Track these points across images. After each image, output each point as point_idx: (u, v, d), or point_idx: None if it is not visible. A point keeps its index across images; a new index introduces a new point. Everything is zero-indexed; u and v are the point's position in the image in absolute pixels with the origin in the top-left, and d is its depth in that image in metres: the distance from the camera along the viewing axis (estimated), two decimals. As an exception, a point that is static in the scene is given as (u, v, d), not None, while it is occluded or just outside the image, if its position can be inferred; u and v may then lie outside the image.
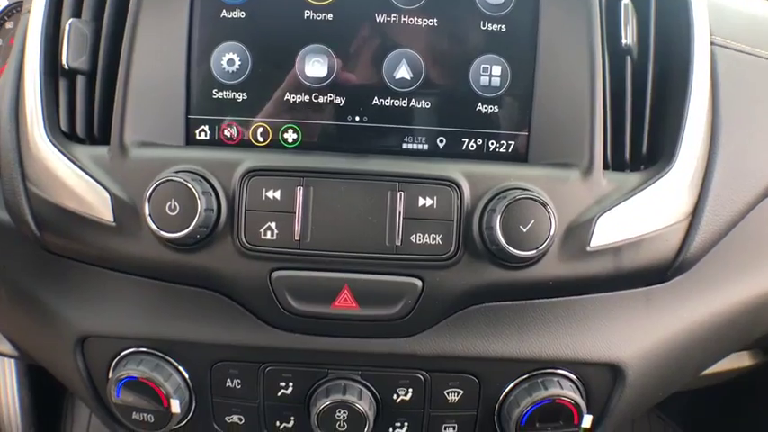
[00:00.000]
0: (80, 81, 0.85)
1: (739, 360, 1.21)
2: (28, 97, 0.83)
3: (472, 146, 0.85)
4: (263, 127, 0.85)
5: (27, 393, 1.68)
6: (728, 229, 0.86)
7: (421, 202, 0.77)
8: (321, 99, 0.84)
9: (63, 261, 0.87)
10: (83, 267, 0.87)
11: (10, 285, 0.94)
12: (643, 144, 0.85)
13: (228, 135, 0.85)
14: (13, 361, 1.68)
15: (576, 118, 0.81)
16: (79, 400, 1.76)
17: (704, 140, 0.83)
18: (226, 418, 0.88)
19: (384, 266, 0.78)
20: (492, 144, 0.85)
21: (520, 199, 0.74)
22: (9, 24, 1.09)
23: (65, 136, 0.85)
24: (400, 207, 0.77)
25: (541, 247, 0.75)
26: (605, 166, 0.82)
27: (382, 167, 0.78)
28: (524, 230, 0.74)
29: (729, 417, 1.59)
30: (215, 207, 0.77)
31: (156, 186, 0.75)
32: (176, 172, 0.77)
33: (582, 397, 0.84)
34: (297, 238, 0.77)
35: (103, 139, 0.84)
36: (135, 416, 0.84)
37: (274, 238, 0.77)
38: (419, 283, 0.78)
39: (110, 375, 0.86)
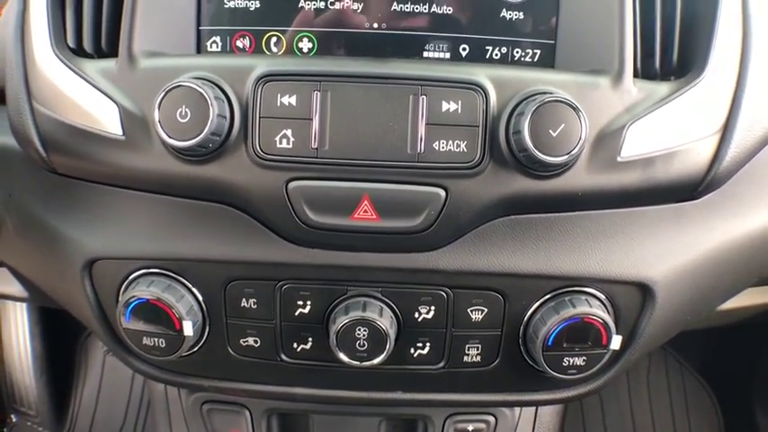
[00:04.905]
0: None
1: (758, 296, 1.18)
2: (34, 13, 0.80)
3: (496, 54, 0.81)
4: (277, 36, 0.81)
5: (39, 342, 1.68)
6: (761, 146, 0.83)
7: (444, 106, 0.73)
8: (337, 5, 0.80)
9: (70, 182, 0.85)
10: (91, 187, 0.84)
11: (17, 213, 0.91)
12: (673, 53, 0.81)
13: (241, 46, 0.82)
14: (25, 309, 1.67)
15: (604, 24, 0.78)
16: (92, 349, 1.76)
17: (736, 50, 0.79)
18: (241, 341, 0.85)
19: (406, 175, 0.74)
20: (517, 52, 0.81)
21: (549, 101, 0.70)
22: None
23: (72, 52, 0.82)
24: (423, 112, 0.73)
25: (572, 152, 0.71)
26: (635, 75, 0.78)
27: (404, 70, 0.74)
28: (554, 135, 0.70)
29: (745, 360, 1.57)
30: (228, 114, 0.73)
31: (166, 92, 0.71)
32: (187, 78, 0.73)
33: (611, 316, 0.81)
34: (314, 146, 0.73)
35: (112, 53, 0.81)
36: (146, 341, 0.81)
37: (290, 146, 0.73)
38: (442, 192, 0.74)
39: (119, 299, 0.84)
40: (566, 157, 0.71)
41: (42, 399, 1.70)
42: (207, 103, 0.71)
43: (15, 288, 1.28)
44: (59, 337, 1.72)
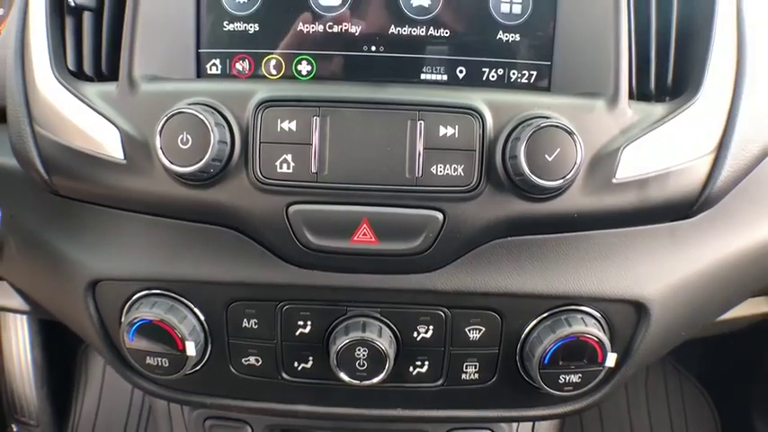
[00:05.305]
0: (87, 18, 0.82)
1: (757, 306, 1.19)
2: (34, 37, 0.81)
3: (493, 76, 0.82)
4: (276, 59, 0.82)
5: (39, 352, 1.69)
6: (755, 165, 0.84)
7: (442, 131, 0.74)
8: (336, 28, 0.81)
9: (73, 204, 0.85)
10: (93, 209, 0.85)
11: (20, 234, 0.92)
12: (668, 74, 0.82)
13: (240, 68, 0.82)
14: (25, 319, 1.68)
15: (600, 46, 0.78)
16: (92, 359, 1.77)
17: (731, 70, 0.80)
18: (242, 360, 0.86)
19: (404, 199, 0.75)
20: (513, 74, 0.82)
21: (545, 126, 0.72)
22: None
23: (72, 75, 0.82)
24: (420, 137, 0.74)
25: (568, 177, 0.72)
26: (630, 97, 0.79)
27: (401, 96, 0.75)
28: (549, 159, 0.72)
29: (743, 367, 1.58)
30: (228, 140, 0.74)
31: (167, 119, 0.72)
32: (188, 104, 0.74)
33: (606, 334, 0.82)
34: (314, 170, 0.74)
35: (112, 77, 0.81)
36: (149, 360, 0.82)
37: (290, 170, 0.74)
38: (440, 216, 0.75)
39: (122, 320, 0.85)
40: (561, 181, 0.72)
41: (43, 409, 1.70)
42: (208, 129, 0.72)
43: (16, 301, 1.28)
44: (60, 347, 1.72)
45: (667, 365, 1.66)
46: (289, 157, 0.74)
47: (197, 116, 0.72)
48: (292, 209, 0.76)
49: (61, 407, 1.73)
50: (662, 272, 0.84)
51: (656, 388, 1.62)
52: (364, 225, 0.76)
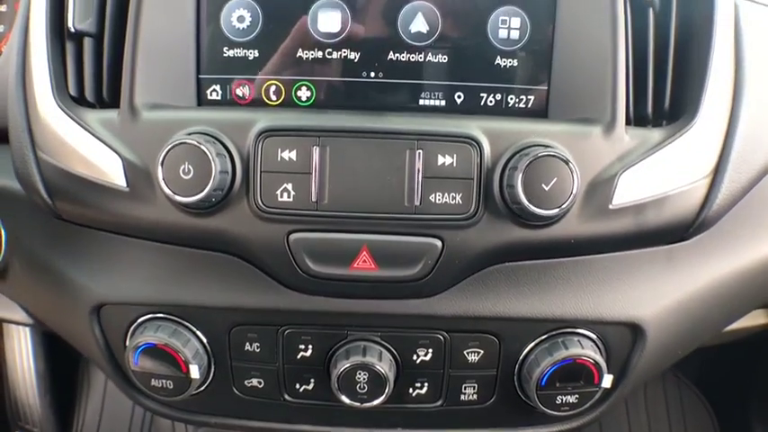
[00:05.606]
0: (87, 44, 0.83)
1: (755, 318, 1.20)
2: (35, 62, 0.81)
3: (491, 101, 0.82)
4: (276, 85, 0.83)
5: (42, 361, 1.70)
6: (752, 186, 0.84)
7: (440, 160, 0.75)
8: (335, 55, 0.82)
9: (77, 228, 0.86)
10: (97, 234, 0.86)
11: (24, 255, 0.93)
12: (665, 98, 0.82)
13: (241, 94, 0.83)
14: (27, 329, 1.69)
15: (597, 71, 0.79)
16: (95, 368, 1.78)
17: (728, 93, 0.81)
18: (245, 382, 0.88)
19: (403, 227, 0.76)
20: (511, 99, 0.82)
21: (542, 156, 0.72)
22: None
23: (74, 101, 0.83)
24: (419, 166, 0.75)
25: (564, 206, 0.73)
26: (627, 122, 0.80)
27: (400, 125, 0.76)
28: (546, 189, 0.73)
29: (743, 374, 1.59)
30: (230, 169, 0.75)
31: (168, 149, 0.73)
32: (189, 134, 0.75)
33: (602, 356, 0.84)
34: (314, 199, 0.75)
35: (113, 103, 0.82)
36: (154, 382, 0.84)
37: (291, 199, 0.75)
38: (439, 243, 0.76)
39: (127, 342, 0.86)
40: (557, 210, 0.73)
41: (46, 416, 1.71)
42: (209, 159, 0.72)
43: (20, 315, 1.30)
44: (62, 355, 1.73)
45: (666, 372, 1.66)
46: (289, 186, 0.75)
47: (198, 147, 0.73)
48: (293, 237, 0.77)
49: (64, 415, 1.74)
50: (658, 294, 0.85)
51: (655, 394, 1.63)
52: (364, 252, 0.77)
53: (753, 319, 1.19)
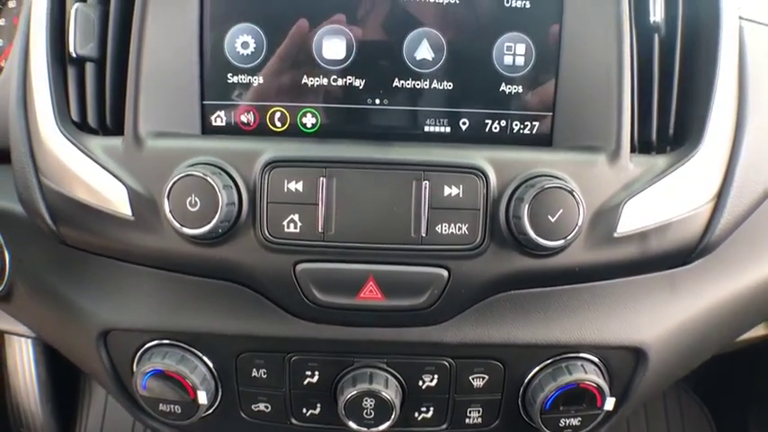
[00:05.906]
0: (89, 69, 0.82)
1: (755, 330, 1.21)
2: (36, 87, 0.80)
3: (496, 127, 0.82)
4: (281, 112, 0.82)
5: (44, 371, 1.69)
6: (754, 209, 0.85)
7: (446, 191, 0.75)
8: (340, 82, 0.81)
9: (82, 254, 0.86)
10: (103, 260, 0.85)
11: (28, 279, 0.93)
12: (670, 124, 0.82)
13: (245, 120, 0.83)
14: (30, 339, 1.69)
15: (602, 98, 0.79)
16: (96, 376, 1.77)
17: (732, 120, 0.81)
18: (252, 407, 0.88)
19: (409, 257, 0.77)
20: (516, 125, 0.82)
21: (548, 188, 0.73)
22: (12, 3, 1.06)
23: (76, 126, 0.82)
24: (425, 197, 0.75)
25: (569, 237, 0.73)
26: (632, 149, 0.80)
27: (406, 156, 0.76)
28: (552, 220, 0.73)
29: (741, 380, 1.60)
30: (236, 201, 0.75)
31: (175, 181, 0.73)
32: (195, 165, 0.75)
33: (605, 380, 0.84)
34: (320, 230, 0.75)
35: (117, 129, 0.81)
36: (162, 407, 0.84)
37: (298, 230, 0.75)
38: (445, 273, 0.77)
39: (134, 367, 0.86)
40: (563, 241, 0.73)
41: (48, 424, 1.72)
42: (216, 191, 0.72)
43: (23, 328, 1.29)
44: (64, 362, 1.73)
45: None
46: (296, 217, 0.75)
47: (205, 179, 0.73)
48: (299, 267, 0.77)
49: (66, 422, 1.74)
50: (660, 317, 0.86)
51: (654, 401, 1.65)
52: (370, 282, 0.77)
53: (753, 332, 1.20)
